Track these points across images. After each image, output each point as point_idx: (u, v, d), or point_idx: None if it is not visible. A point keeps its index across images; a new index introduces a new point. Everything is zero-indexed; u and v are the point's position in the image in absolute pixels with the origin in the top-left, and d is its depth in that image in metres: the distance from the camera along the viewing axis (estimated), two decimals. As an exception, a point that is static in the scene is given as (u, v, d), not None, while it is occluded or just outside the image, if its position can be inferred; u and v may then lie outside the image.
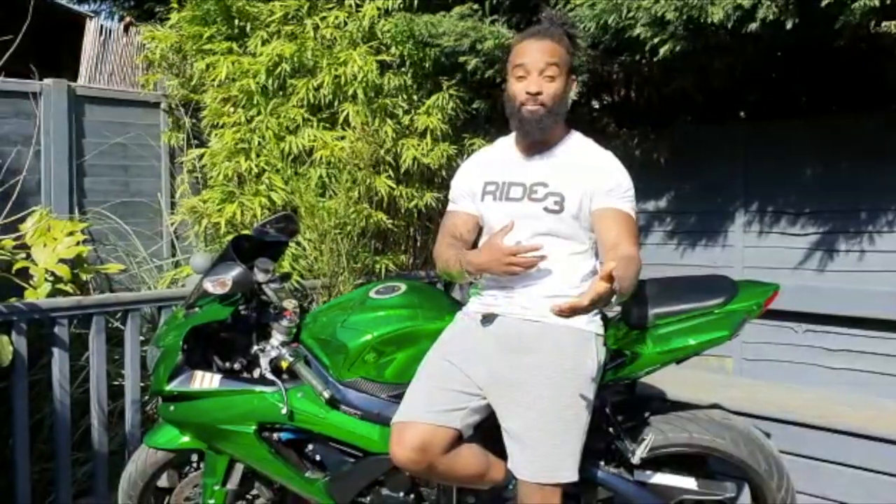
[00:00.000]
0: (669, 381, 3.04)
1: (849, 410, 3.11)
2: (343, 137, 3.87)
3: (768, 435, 2.66)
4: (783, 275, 3.56)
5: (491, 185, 2.31)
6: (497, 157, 2.37)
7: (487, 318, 2.27)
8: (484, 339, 2.25)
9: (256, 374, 2.52)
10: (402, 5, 3.94)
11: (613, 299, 1.89)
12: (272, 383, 2.43)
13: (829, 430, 2.98)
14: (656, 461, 2.40)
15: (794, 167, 3.63)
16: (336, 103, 3.94)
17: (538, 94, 2.17)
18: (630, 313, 2.37)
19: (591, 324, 2.24)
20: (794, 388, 3.49)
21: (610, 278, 1.79)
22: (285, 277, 2.80)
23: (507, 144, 2.38)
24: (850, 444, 2.92)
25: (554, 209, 2.19)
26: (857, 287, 3.42)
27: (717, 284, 2.45)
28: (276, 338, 2.48)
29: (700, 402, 2.66)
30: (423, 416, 2.20)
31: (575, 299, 1.83)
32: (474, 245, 2.37)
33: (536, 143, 2.27)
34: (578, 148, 2.28)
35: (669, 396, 3.13)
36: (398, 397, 2.33)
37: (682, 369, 2.60)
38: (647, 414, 2.45)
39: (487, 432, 2.27)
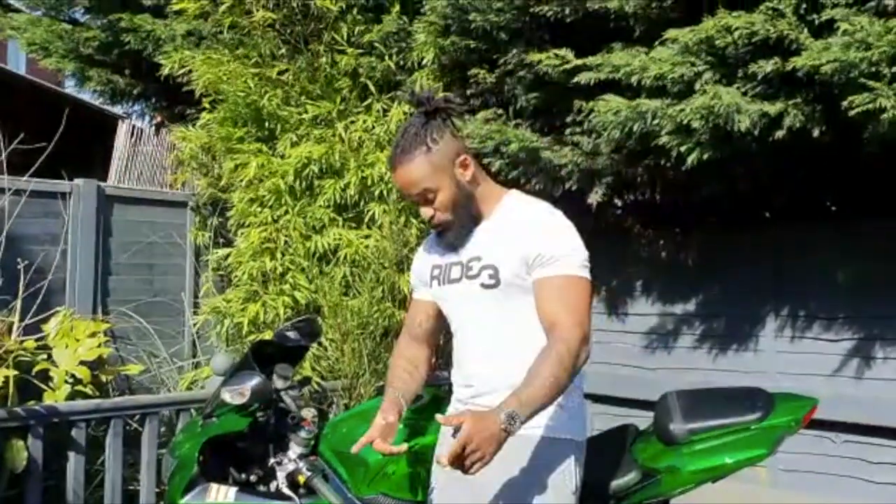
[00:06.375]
0: (698, 491, 2.90)
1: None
2: (368, 236, 3.87)
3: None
4: (818, 382, 3.45)
5: (436, 269, 2.16)
6: (441, 237, 2.16)
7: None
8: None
9: (273, 485, 2.44)
10: (427, 109, 3.99)
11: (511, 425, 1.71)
12: (289, 498, 2.35)
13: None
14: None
15: (826, 271, 3.56)
16: (362, 203, 3.96)
17: (431, 218, 2.05)
18: (663, 428, 2.28)
19: (568, 429, 2.01)
20: (832, 503, 3.33)
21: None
22: (304, 382, 2.73)
23: None
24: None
25: (489, 283, 2.00)
26: (898, 396, 3.29)
27: (754, 398, 2.36)
28: (294, 450, 2.40)
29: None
30: None
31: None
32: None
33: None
34: (512, 210, 2.08)
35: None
36: (420, 514, 2.23)
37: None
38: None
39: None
